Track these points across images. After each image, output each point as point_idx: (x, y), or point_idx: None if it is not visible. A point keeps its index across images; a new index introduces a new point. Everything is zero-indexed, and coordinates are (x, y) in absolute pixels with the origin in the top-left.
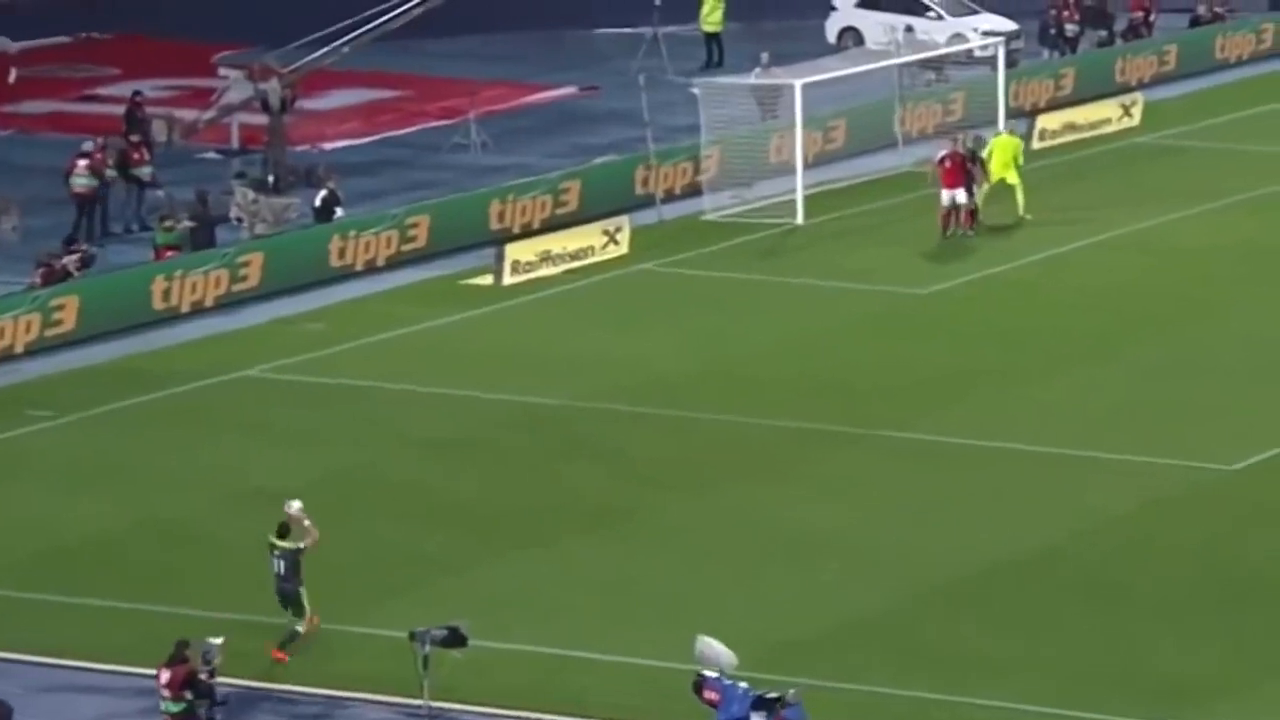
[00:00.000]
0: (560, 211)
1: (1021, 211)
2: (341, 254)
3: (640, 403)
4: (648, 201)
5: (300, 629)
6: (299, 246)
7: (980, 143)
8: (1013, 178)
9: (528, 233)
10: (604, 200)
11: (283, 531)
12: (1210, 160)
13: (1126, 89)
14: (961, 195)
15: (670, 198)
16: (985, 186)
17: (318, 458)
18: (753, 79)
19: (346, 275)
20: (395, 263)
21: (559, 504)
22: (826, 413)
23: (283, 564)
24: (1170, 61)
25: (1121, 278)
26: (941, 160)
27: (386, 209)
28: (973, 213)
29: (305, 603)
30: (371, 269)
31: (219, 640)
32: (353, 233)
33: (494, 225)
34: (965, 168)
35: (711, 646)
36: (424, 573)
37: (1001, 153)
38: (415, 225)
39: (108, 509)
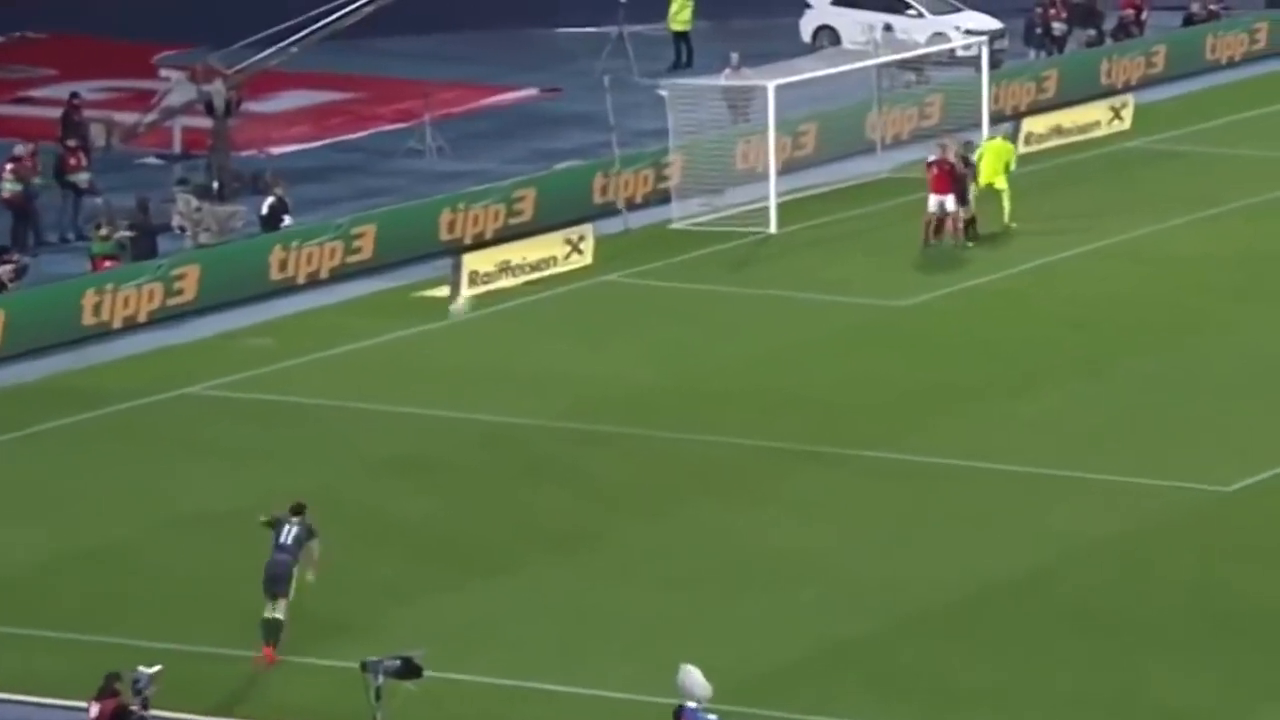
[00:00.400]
0: (514, 221)
1: (1007, 219)
2: (283, 266)
3: (605, 421)
4: (608, 210)
5: (281, 615)
6: (238, 258)
7: (970, 148)
8: (1001, 184)
9: (480, 243)
10: (561, 209)
11: (297, 510)
12: (1205, 165)
13: (1113, 91)
14: (951, 202)
15: (636, 205)
16: (973, 191)
17: (265, 480)
18: (723, 80)
19: (288, 288)
20: (340, 275)
21: (520, 528)
22: (801, 431)
23: (294, 531)
24: (1158, 63)
25: (1112, 288)
26: (930, 165)
27: (333, 218)
28: (970, 221)
29: (293, 587)
30: (315, 282)
31: (153, 669)
32: (295, 243)
33: (444, 236)
34: (954, 174)
35: (690, 675)
36: (377, 600)
37: (993, 158)
38: (361, 236)
39: (39, 535)
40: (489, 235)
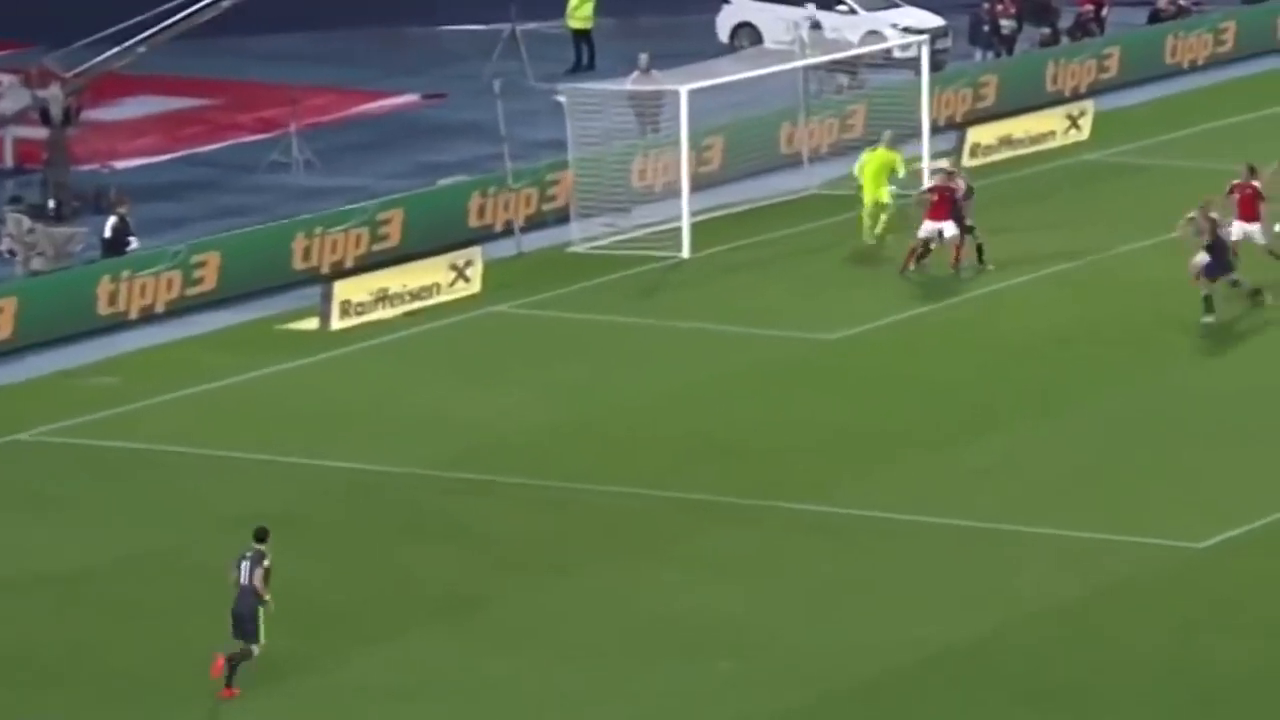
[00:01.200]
0: (379, 248)
1: (880, 231)
2: (112, 299)
3: (495, 470)
4: (487, 234)
5: (255, 649)
6: (60, 291)
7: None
8: (886, 197)
9: (339, 273)
10: (434, 233)
11: (260, 536)
12: (1173, 180)
13: (1060, 99)
14: (950, 228)
15: (530, 226)
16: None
17: (109, 538)
18: (630, 85)
19: (120, 324)
20: (179, 309)
21: (399, 591)
22: (718, 481)
23: (247, 566)
24: (1111, 67)
25: (1069, 319)
26: (930, 191)
27: (174, 243)
28: (979, 247)
29: (262, 628)
30: (150, 316)
31: None
32: (126, 274)
33: (299, 265)
34: (955, 201)
35: None
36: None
37: (879, 169)
38: (202, 265)
39: None
40: (350, 263)
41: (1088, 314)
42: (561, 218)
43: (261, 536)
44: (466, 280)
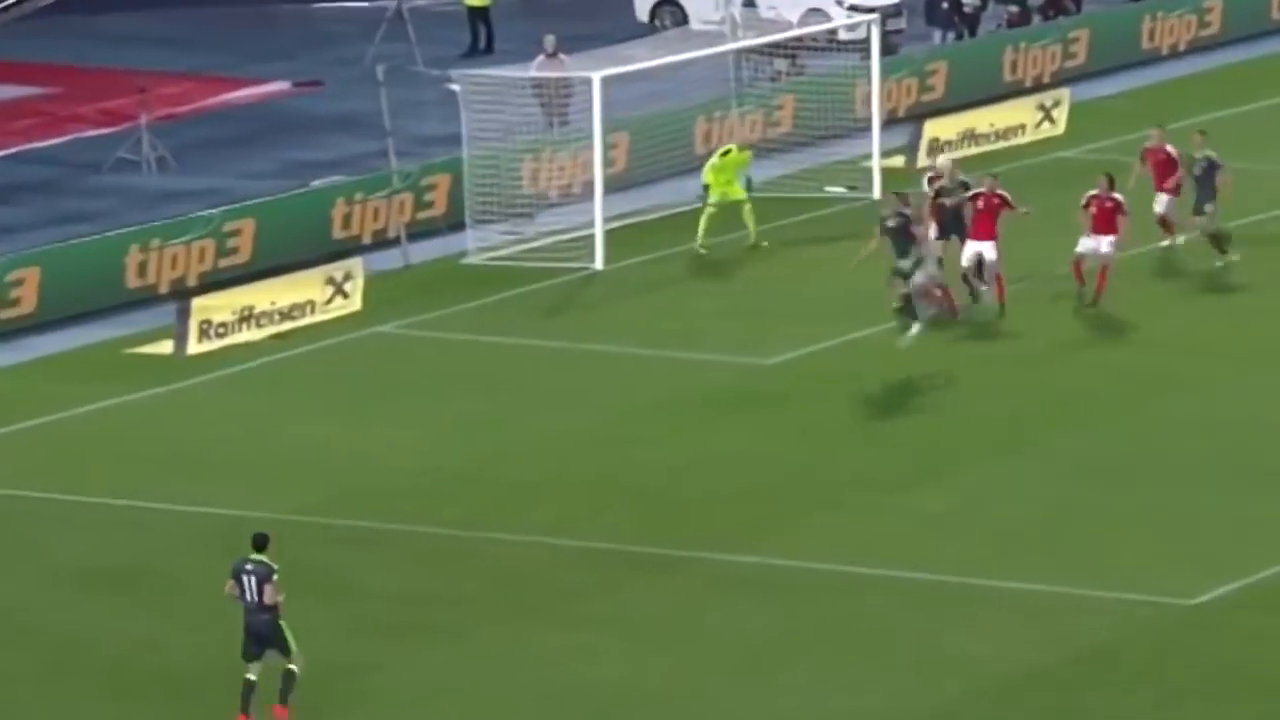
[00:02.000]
0: (228, 263)
1: (754, 239)
2: None
3: (377, 516)
4: (356, 246)
5: (295, 667)
6: None
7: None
8: (737, 193)
9: (182, 292)
10: (295, 245)
11: (260, 544)
12: None
13: (1020, 90)
14: (991, 250)
15: (417, 234)
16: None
17: None
18: (534, 71)
19: None
20: None
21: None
22: (634, 529)
23: (253, 581)
24: (1079, 53)
25: (1040, 343)
26: (974, 198)
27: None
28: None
29: (289, 637)
30: None
31: None
32: None
33: (133, 283)
34: (998, 215)
35: None
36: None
37: (735, 170)
38: (20, 284)
39: None
40: (193, 282)
41: (1060, 336)
42: (454, 224)
43: (262, 545)
44: (345, 296)
